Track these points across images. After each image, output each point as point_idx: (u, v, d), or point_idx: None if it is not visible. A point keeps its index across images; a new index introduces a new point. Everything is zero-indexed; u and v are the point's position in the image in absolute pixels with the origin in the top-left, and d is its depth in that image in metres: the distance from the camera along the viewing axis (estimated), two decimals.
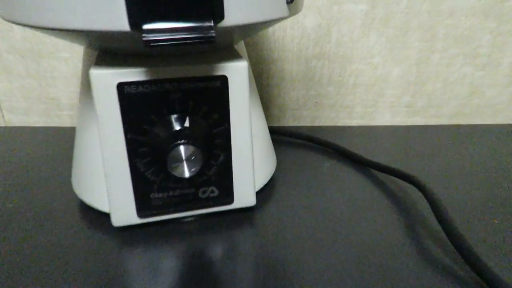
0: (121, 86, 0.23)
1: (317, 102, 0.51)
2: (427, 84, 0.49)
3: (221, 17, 0.19)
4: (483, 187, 0.35)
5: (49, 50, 0.49)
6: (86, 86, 0.28)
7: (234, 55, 0.26)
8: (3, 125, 0.53)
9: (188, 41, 0.18)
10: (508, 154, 0.42)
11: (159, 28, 0.18)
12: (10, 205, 0.32)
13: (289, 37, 0.47)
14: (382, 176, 0.37)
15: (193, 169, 0.24)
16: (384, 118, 0.51)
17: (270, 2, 0.23)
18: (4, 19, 0.22)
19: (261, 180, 0.32)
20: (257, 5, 0.22)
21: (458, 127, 0.50)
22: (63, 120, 0.53)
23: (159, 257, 0.26)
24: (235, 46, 0.30)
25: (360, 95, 0.50)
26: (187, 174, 0.24)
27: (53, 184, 0.35)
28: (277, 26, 0.46)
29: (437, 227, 0.29)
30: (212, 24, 0.18)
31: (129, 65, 0.24)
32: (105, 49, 0.25)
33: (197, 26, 0.18)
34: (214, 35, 0.18)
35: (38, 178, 0.36)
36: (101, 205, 0.29)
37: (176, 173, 0.24)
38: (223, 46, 0.27)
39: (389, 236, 0.28)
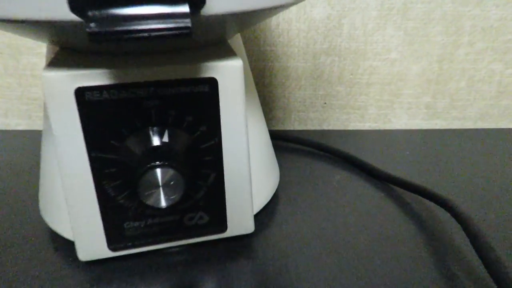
0: (81, 92, 0.18)
1: (325, 103, 0.45)
2: (450, 83, 0.44)
3: (202, 1, 0.14)
4: None
5: (29, 46, 0.44)
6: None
7: (226, 52, 0.21)
8: None
9: (152, 34, 0.13)
10: None
11: (110, 14, 0.13)
12: None
13: (294, 30, 0.41)
14: (403, 193, 0.32)
15: (173, 197, 0.19)
16: (401, 121, 0.46)
17: None
18: None
19: (261, 199, 0.27)
20: None
21: (484, 131, 0.44)
22: None
23: None
24: (229, 41, 0.24)
25: (374, 95, 0.45)
26: (164, 203, 0.19)
27: (25, 200, 0.30)
28: (280, 17, 0.41)
29: (475, 261, 0.24)
30: (188, 10, 0.13)
31: (91, 65, 0.18)
32: (64, 45, 0.20)
33: (166, 14, 0.13)
34: (189, 25, 0.13)
35: (8, 193, 0.31)
36: (70, 233, 0.24)
37: (150, 202, 0.19)
38: (213, 41, 0.22)
39: (417, 276, 0.23)
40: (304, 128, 0.47)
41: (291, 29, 0.41)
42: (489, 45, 0.42)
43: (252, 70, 0.44)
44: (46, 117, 0.23)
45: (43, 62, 0.44)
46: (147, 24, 0.13)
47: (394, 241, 0.26)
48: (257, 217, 0.28)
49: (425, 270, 0.23)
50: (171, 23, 0.13)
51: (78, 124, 0.19)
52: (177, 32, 0.13)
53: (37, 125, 0.48)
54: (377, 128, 0.46)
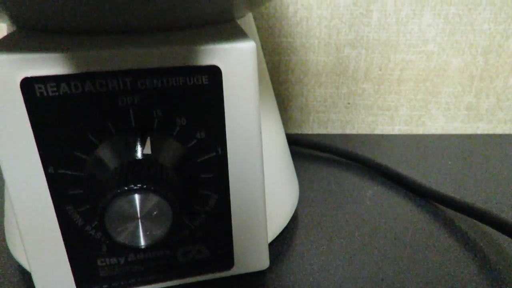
0: (28, 84, 0.13)
1: (349, 103, 0.39)
2: (497, 80, 0.38)
3: None
4: None
5: None
6: None
7: (233, 32, 0.15)
8: None
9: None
10: None
11: None
12: None
13: (315, 18, 0.36)
14: (454, 215, 0.25)
15: (157, 233, 0.13)
16: (437, 123, 0.40)
17: None
18: None
19: (277, 225, 0.22)
20: None
21: None
22: None
23: None
24: (239, 22, 0.19)
25: (406, 94, 0.39)
26: (142, 242, 0.13)
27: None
28: (299, 3, 0.35)
29: None
30: None
31: (45, 47, 0.13)
32: (24, 24, 0.14)
33: None
34: None
35: None
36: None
37: (122, 239, 0.13)
38: (218, 17, 0.16)
39: None
40: (325, 131, 0.41)
41: (311, 17, 0.36)
42: None
43: (266, 64, 0.38)
44: None
45: None
46: None
47: (447, 283, 0.20)
48: (272, 246, 0.22)
49: None
50: None
51: (29, 130, 0.14)
52: None
53: None
54: (409, 132, 0.40)
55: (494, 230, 0.23)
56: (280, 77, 0.39)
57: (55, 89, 0.13)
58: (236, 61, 0.14)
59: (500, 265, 0.21)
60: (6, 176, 0.14)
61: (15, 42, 0.14)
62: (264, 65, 0.21)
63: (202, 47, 0.14)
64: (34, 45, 0.14)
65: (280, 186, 0.21)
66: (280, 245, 0.22)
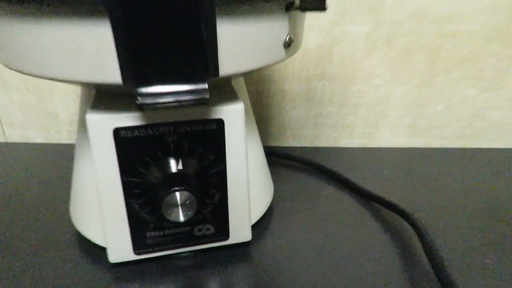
0: (117, 131, 0.23)
1: (316, 122, 0.50)
2: (429, 106, 0.49)
3: (216, 75, 0.19)
4: (480, 221, 0.35)
5: None
6: (83, 123, 0.28)
7: (231, 95, 0.26)
8: (3, 140, 0.53)
9: (182, 104, 0.18)
10: (508, 183, 0.41)
11: (152, 92, 0.18)
12: (8, 234, 0.32)
13: (290, 57, 0.47)
14: (379, 208, 0.37)
15: (189, 213, 0.24)
16: (385, 139, 0.51)
17: (267, 48, 0.23)
18: (3, 64, 0.22)
19: (257, 212, 0.32)
20: (253, 54, 0.22)
21: (460, 150, 0.49)
22: (61, 135, 0.53)
23: None
24: (233, 81, 0.29)
25: (361, 116, 0.50)
26: (182, 218, 0.24)
27: (51, 210, 0.35)
28: None
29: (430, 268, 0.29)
30: (206, 86, 0.18)
31: (125, 109, 0.23)
32: (102, 91, 0.25)
33: (191, 90, 0.18)
34: (208, 97, 0.18)
35: (37, 203, 0.36)
36: (98, 239, 0.29)
37: (171, 218, 0.24)
38: (220, 85, 0.27)
39: (385, 279, 0.28)
40: (298, 144, 0.52)
41: None
42: (463, 74, 0.47)
43: (251, 92, 0.49)
44: (81, 143, 0.28)
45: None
46: (180, 96, 0.18)
47: (369, 250, 0.31)
48: (254, 228, 0.33)
49: (392, 273, 0.28)
50: (195, 95, 0.18)
51: (114, 155, 0.24)
52: (199, 102, 0.18)
53: (53, 137, 0.53)
54: (363, 146, 0.51)
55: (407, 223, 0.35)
56: (262, 101, 0.49)
57: (131, 133, 0.24)
58: (232, 116, 0.25)
59: (400, 237, 0.32)
60: (99, 181, 0.24)
61: (105, 105, 0.24)
62: (250, 107, 0.32)
63: (213, 108, 0.25)
64: (118, 108, 0.24)
65: (259, 187, 0.32)
66: (260, 227, 0.33)
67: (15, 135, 0.53)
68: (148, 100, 0.18)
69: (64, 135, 0.53)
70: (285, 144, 0.52)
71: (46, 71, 0.20)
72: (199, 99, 0.18)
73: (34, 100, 0.51)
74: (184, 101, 0.18)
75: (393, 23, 0.44)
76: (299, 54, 0.46)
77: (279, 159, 0.46)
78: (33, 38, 0.19)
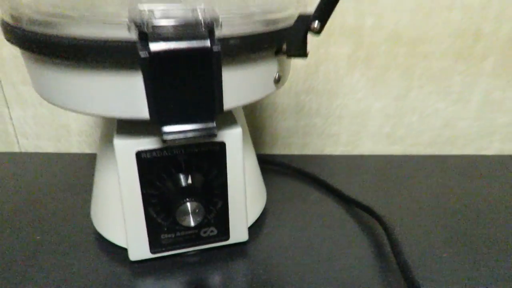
0: (139, 153, 0.29)
1: (304, 131, 0.56)
2: (405, 117, 0.55)
3: (221, 112, 0.24)
4: (444, 220, 0.41)
5: None
6: (105, 137, 0.33)
7: (231, 121, 0.32)
8: (18, 150, 0.58)
9: (196, 139, 0.23)
10: (473, 186, 0.47)
11: (174, 130, 0.23)
12: (38, 237, 0.37)
13: None
14: (358, 210, 0.42)
15: (198, 219, 0.30)
16: (366, 146, 0.57)
17: (261, 85, 0.28)
18: (48, 101, 0.27)
19: (253, 216, 0.38)
20: (250, 90, 0.28)
21: (432, 157, 0.55)
22: (72, 144, 0.58)
23: (168, 285, 0.32)
24: None
25: (345, 126, 0.56)
26: (192, 224, 0.29)
27: (72, 215, 0.41)
28: None
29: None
30: (215, 124, 0.24)
31: (146, 135, 0.29)
32: None
33: (203, 128, 0.23)
34: (216, 133, 0.24)
35: (57, 209, 0.42)
36: (119, 240, 0.34)
37: (184, 223, 0.29)
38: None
39: (361, 271, 0.34)
40: (288, 152, 0.57)
41: None
42: (434, 89, 0.53)
43: (246, 105, 0.54)
44: (102, 156, 0.33)
45: None
46: (194, 133, 0.23)
47: (347, 246, 0.37)
48: (250, 229, 0.39)
49: (366, 266, 0.34)
50: (206, 132, 0.23)
51: (136, 172, 0.29)
52: (209, 137, 0.23)
53: (64, 146, 0.58)
54: (347, 153, 0.57)
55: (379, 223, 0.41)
56: (256, 113, 0.55)
57: (150, 154, 0.29)
58: (232, 139, 0.30)
59: (374, 237, 0.38)
60: (123, 192, 0.30)
61: (128, 130, 0.29)
62: (247, 128, 0.37)
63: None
64: (140, 134, 0.29)
65: (255, 194, 0.38)
66: (255, 228, 0.39)
67: (28, 145, 0.58)
68: (171, 137, 0.23)
69: (74, 145, 0.58)
70: (277, 151, 0.57)
71: (89, 109, 0.25)
72: (210, 135, 0.24)
73: (47, 114, 0.56)
74: (198, 136, 0.23)
75: (371, 45, 0.50)
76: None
77: (272, 167, 0.52)
78: (82, 84, 0.24)
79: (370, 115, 0.55)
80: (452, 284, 0.32)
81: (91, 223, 0.38)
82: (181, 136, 0.23)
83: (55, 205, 0.42)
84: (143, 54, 0.21)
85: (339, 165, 0.53)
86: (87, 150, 0.58)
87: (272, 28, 0.26)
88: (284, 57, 0.29)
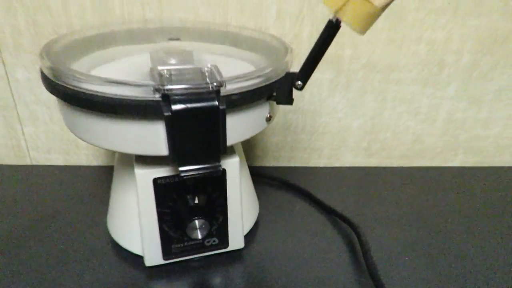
0: (156, 180, 0.35)
1: (292, 146, 0.63)
2: (380, 134, 0.62)
3: (224, 152, 0.31)
4: (409, 228, 0.48)
5: None
6: (120, 161, 0.39)
7: (230, 152, 0.38)
8: (29, 162, 0.63)
9: (206, 175, 0.30)
10: (439, 196, 0.55)
11: (189, 169, 0.30)
12: (62, 246, 0.43)
13: None
14: (337, 219, 0.50)
15: (204, 232, 0.36)
16: (347, 159, 0.64)
17: (255, 124, 0.35)
18: (72, 132, 0.33)
19: (247, 226, 0.45)
20: (247, 130, 0.34)
21: (404, 168, 0.63)
22: (80, 157, 0.63)
23: (177, 286, 0.38)
24: None
25: (327, 141, 0.62)
26: (200, 236, 0.36)
27: (88, 225, 0.47)
28: None
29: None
30: (220, 164, 0.30)
31: (161, 165, 0.35)
32: None
33: (211, 166, 0.30)
34: (221, 170, 0.30)
35: (74, 219, 0.48)
36: (135, 248, 0.41)
37: (193, 236, 0.36)
38: None
39: (337, 272, 0.41)
40: (277, 164, 0.64)
41: None
42: (405, 110, 0.60)
43: None
44: (120, 173, 0.40)
45: None
46: (205, 170, 0.30)
47: (327, 251, 0.44)
48: (246, 237, 0.45)
49: (344, 270, 0.41)
50: (214, 169, 0.30)
51: (153, 195, 0.36)
52: (216, 174, 0.30)
53: (73, 159, 0.64)
54: (330, 165, 0.64)
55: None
56: None
57: (165, 180, 0.35)
58: (231, 166, 0.37)
59: (354, 245, 0.45)
60: (141, 210, 0.36)
61: (144, 160, 0.36)
62: (243, 157, 0.43)
63: None
64: (155, 164, 0.35)
65: (249, 208, 0.44)
66: (250, 236, 0.46)
67: (39, 158, 0.63)
68: (186, 174, 0.30)
69: (83, 158, 0.64)
70: (267, 164, 0.64)
71: (116, 147, 0.31)
72: (216, 172, 0.30)
73: (57, 129, 0.61)
74: (208, 173, 0.30)
75: (350, 71, 0.57)
76: None
77: (263, 179, 0.58)
78: (111, 129, 0.30)
79: (349, 132, 0.62)
80: (412, 283, 0.40)
81: (107, 233, 0.45)
82: (194, 173, 0.30)
83: (72, 216, 0.48)
84: (167, 113, 0.27)
85: (322, 176, 0.60)
86: (95, 163, 0.63)
87: (266, 82, 0.32)
88: (274, 102, 0.35)
